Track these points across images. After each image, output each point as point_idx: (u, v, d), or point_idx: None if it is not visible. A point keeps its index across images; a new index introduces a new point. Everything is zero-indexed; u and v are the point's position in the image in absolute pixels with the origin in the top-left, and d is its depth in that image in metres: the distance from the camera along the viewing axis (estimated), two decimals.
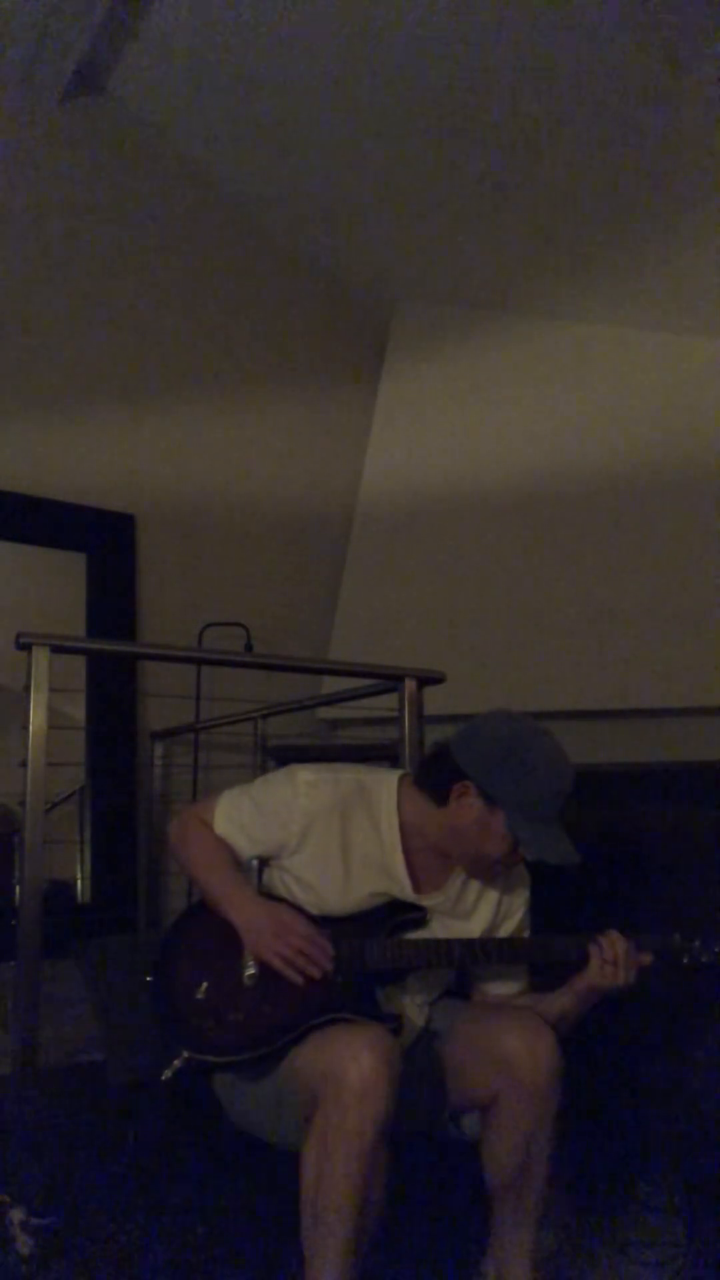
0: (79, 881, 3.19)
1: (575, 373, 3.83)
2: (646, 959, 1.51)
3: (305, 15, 3.02)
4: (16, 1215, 1.44)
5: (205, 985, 1.50)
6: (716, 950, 1.53)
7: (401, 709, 2.31)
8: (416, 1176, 1.52)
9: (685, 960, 1.53)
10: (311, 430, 4.10)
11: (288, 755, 3.17)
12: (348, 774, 1.60)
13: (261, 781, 1.63)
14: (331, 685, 3.11)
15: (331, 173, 3.63)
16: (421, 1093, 1.48)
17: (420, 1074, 1.49)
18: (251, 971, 1.49)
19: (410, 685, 2.32)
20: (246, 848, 1.58)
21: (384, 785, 1.60)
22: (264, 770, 3.27)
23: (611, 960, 1.49)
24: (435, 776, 1.56)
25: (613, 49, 2.81)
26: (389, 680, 2.38)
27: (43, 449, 3.40)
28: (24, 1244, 1.42)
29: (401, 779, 1.62)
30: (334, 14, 2.99)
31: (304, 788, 1.55)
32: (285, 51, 3.17)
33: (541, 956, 1.59)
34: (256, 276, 4.03)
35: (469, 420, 3.89)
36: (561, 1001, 1.53)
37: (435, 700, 2.40)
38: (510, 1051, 1.42)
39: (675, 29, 2.69)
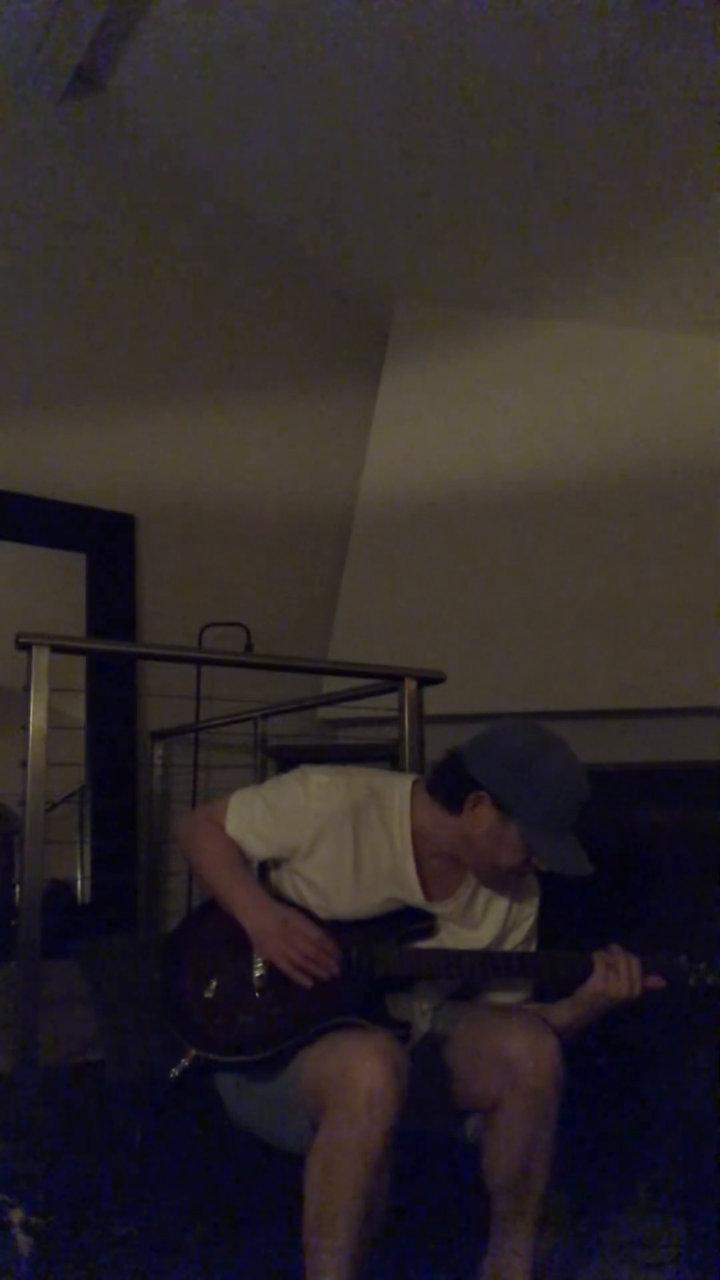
0: (79, 881, 3.19)
1: (575, 373, 3.83)
2: (657, 983, 1.50)
3: (305, 15, 3.02)
4: (16, 1215, 1.43)
5: (214, 984, 1.50)
6: None
7: (401, 709, 2.31)
8: (417, 1177, 1.51)
9: (690, 982, 1.52)
10: (311, 430, 4.09)
11: (288, 755, 3.17)
12: (360, 778, 1.59)
13: (274, 783, 1.62)
14: (331, 685, 3.11)
15: (332, 173, 3.63)
16: (424, 1095, 1.48)
17: (423, 1077, 1.48)
18: (260, 973, 1.48)
19: (410, 685, 2.32)
20: (258, 849, 1.57)
21: (396, 790, 1.59)
22: (264, 770, 3.27)
23: (617, 970, 1.48)
24: (448, 785, 1.54)
25: (615, 48, 2.81)
26: (389, 680, 2.37)
27: (43, 449, 3.39)
28: (24, 1244, 1.41)
29: (414, 784, 1.61)
30: (333, 14, 2.99)
31: (316, 790, 1.54)
32: (285, 52, 3.16)
33: (549, 973, 1.58)
34: (256, 276, 4.02)
35: (469, 420, 3.88)
36: (566, 1012, 1.53)
37: (435, 700, 2.40)
38: (513, 1054, 1.41)
39: (678, 27, 2.69)
